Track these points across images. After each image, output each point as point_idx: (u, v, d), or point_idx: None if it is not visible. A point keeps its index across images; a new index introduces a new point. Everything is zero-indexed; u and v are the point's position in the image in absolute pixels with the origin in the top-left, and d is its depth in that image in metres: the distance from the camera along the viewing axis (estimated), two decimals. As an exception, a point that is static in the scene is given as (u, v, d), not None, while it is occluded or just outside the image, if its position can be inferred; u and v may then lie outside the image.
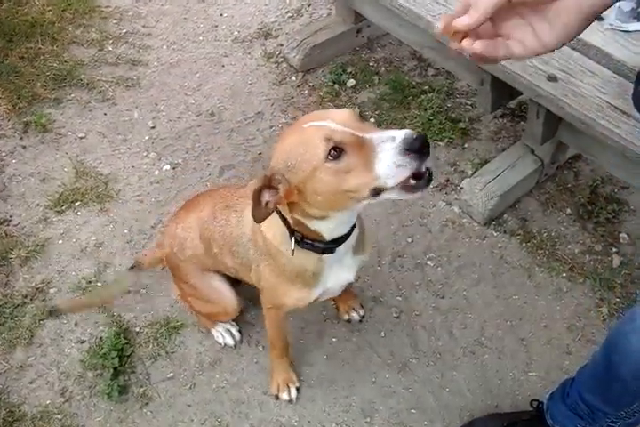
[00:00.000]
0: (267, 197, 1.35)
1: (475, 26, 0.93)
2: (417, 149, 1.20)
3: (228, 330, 2.18)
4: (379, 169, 1.23)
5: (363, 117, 1.34)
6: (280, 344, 2.00)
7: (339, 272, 1.65)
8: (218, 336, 2.17)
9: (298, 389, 2.06)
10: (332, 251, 1.54)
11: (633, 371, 1.47)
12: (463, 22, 0.92)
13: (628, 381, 1.49)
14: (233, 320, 2.17)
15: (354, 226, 1.55)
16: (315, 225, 1.45)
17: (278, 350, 2.02)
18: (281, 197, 1.35)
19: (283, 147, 1.35)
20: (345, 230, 1.52)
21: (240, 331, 2.20)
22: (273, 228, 1.54)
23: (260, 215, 1.40)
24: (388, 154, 1.21)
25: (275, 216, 1.49)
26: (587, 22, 0.90)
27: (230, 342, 2.17)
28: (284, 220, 1.49)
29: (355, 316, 2.23)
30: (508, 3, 0.90)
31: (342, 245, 1.55)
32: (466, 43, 0.97)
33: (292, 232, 1.49)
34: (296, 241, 1.50)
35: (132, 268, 2.18)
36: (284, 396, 2.05)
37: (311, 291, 1.66)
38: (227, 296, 2.01)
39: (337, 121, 1.28)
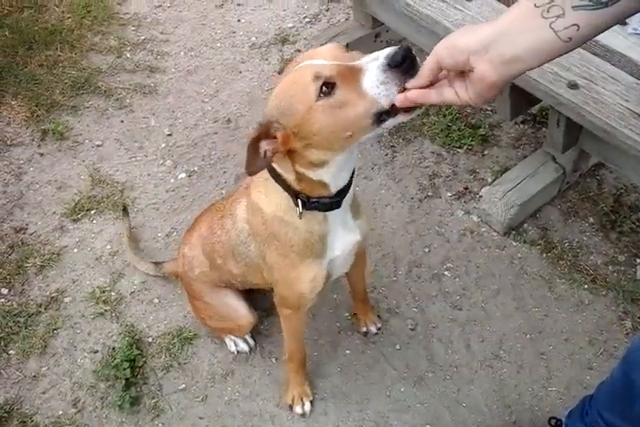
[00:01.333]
0: (265, 146, 1.30)
1: (418, 87, 1.15)
2: (399, 62, 1.16)
3: (241, 337, 2.16)
4: (368, 89, 1.19)
5: (349, 49, 1.32)
6: (298, 356, 1.97)
7: (344, 235, 1.60)
8: (231, 345, 2.15)
9: (311, 402, 2.03)
10: (339, 205, 1.49)
11: None
12: (410, 84, 1.16)
13: None
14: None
15: (352, 176, 1.49)
16: (318, 175, 1.39)
17: (296, 363, 1.98)
18: (279, 144, 1.30)
19: (275, 93, 1.31)
20: (347, 178, 1.46)
21: (254, 338, 2.18)
22: (272, 200, 1.51)
23: (256, 166, 1.34)
24: (372, 73, 1.18)
25: (272, 188, 1.47)
26: (498, 90, 1.07)
27: (245, 348, 2.15)
28: (285, 185, 1.44)
29: (372, 328, 2.20)
30: (440, 70, 1.12)
31: (345, 199, 1.51)
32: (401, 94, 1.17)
33: (296, 194, 1.44)
34: (302, 203, 1.45)
35: (155, 263, 2.26)
36: (298, 409, 2.02)
37: (322, 262, 1.61)
38: (240, 313, 2.00)
39: (325, 56, 1.26)
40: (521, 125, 2.80)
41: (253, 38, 3.30)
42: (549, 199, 2.51)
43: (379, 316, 2.22)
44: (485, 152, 2.69)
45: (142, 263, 2.29)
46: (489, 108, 2.86)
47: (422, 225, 2.48)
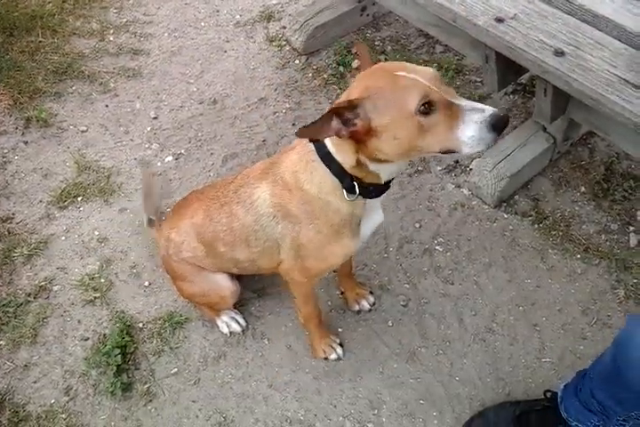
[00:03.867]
0: (335, 124, 1.34)
1: None
2: (500, 127, 1.29)
3: (233, 318, 2.15)
4: (462, 136, 1.31)
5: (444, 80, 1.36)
6: (315, 315, 1.99)
7: (374, 217, 1.69)
8: (223, 326, 2.14)
9: (341, 344, 2.08)
10: (380, 193, 1.58)
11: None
12: None
13: (636, 387, 1.42)
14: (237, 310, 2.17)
15: None
16: (376, 168, 1.46)
17: (315, 319, 2.00)
18: (356, 131, 1.35)
19: (371, 86, 1.35)
20: (399, 172, 1.58)
21: (245, 319, 2.17)
22: (314, 182, 1.54)
23: (317, 133, 1.36)
24: (476, 127, 1.30)
25: (316, 170, 1.51)
26: None
27: (237, 328, 2.14)
28: (337, 169, 1.47)
29: (365, 305, 2.18)
30: None
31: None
32: None
33: (352, 178, 1.49)
34: (359, 187, 1.50)
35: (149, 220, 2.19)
36: (333, 356, 2.06)
37: (355, 239, 1.67)
38: (222, 284, 1.99)
39: (425, 79, 1.32)
40: (511, 96, 2.76)
41: (238, 16, 3.25)
42: (540, 170, 2.48)
43: (371, 292, 2.20)
44: (475, 124, 2.65)
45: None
46: (478, 80, 2.81)
47: (412, 200, 2.45)
